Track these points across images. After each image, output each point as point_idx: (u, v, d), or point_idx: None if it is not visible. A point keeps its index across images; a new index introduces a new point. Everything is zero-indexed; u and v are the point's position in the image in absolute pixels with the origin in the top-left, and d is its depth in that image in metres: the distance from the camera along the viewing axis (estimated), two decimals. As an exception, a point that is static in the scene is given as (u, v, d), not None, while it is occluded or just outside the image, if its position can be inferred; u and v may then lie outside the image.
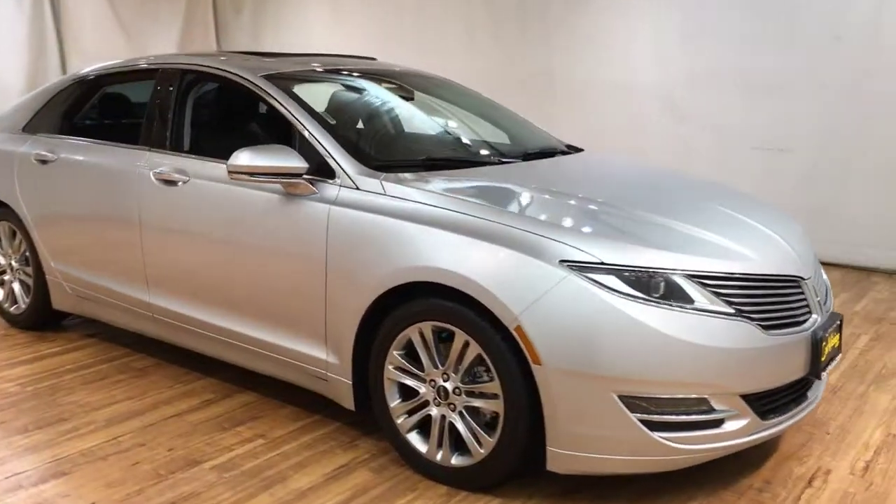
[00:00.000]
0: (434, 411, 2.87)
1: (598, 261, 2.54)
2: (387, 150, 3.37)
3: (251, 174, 3.08)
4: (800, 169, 6.39)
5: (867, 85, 6.07)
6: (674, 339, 2.48)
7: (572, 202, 2.98)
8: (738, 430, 2.62)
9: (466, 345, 2.72)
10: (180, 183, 3.52)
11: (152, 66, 3.92)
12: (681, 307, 2.53)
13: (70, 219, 4.05)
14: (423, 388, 2.88)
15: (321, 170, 3.11)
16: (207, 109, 4.08)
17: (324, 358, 3.13)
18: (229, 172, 3.12)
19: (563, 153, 3.80)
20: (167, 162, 3.62)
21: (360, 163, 3.10)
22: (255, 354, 3.39)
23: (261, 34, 9.74)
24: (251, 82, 3.45)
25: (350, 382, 3.06)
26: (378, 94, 3.97)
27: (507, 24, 7.75)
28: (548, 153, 3.73)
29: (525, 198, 2.98)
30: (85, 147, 4.05)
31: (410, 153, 3.41)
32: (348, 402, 3.10)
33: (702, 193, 3.39)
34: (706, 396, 2.57)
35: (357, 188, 3.02)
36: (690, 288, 2.56)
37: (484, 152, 3.72)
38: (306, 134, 3.19)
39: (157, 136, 3.73)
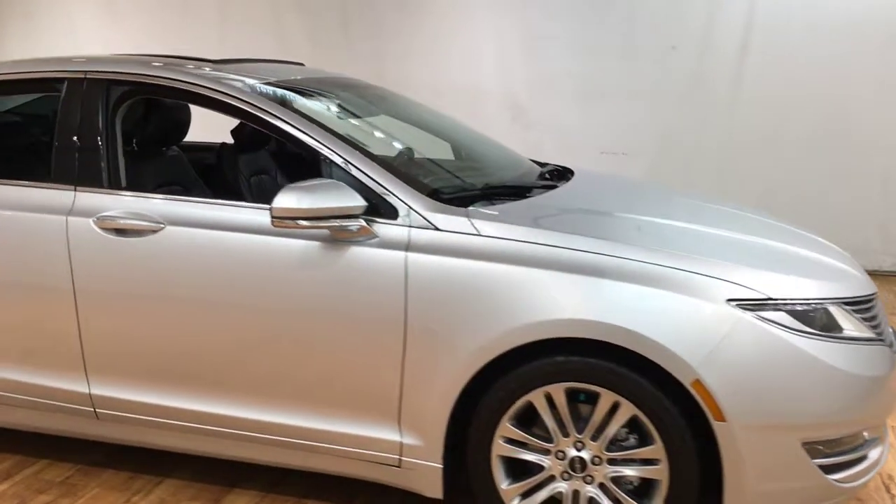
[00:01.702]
0: (563, 487, 2.42)
1: (766, 297, 2.29)
2: (439, 180, 2.80)
3: (304, 219, 2.38)
4: (643, 172, 6.67)
5: (700, 91, 6.48)
6: (847, 374, 2.31)
7: (687, 230, 2.69)
8: (877, 458, 2.52)
9: (615, 406, 2.32)
10: (148, 233, 2.64)
11: (58, 76, 2.91)
12: (838, 338, 2.36)
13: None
14: (546, 462, 2.42)
15: (375, 208, 2.49)
16: (161, 133, 3.19)
17: (397, 440, 2.52)
18: (274, 218, 2.39)
19: (570, 172, 3.45)
20: (115, 204, 2.70)
21: (427, 197, 2.53)
22: (285, 447, 2.65)
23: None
24: (250, 104, 2.68)
25: (440, 466, 2.49)
26: (375, 113, 3.32)
27: (327, 31, 7.19)
28: (561, 173, 3.36)
29: (641, 228, 2.63)
30: None
31: (459, 182, 2.86)
32: (434, 489, 2.53)
33: (748, 214, 3.24)
34: (862, 429, 2.44)
35: (435, 228, 2.45)
36: (840, 316, 2.40)
37: (515, 175, 3.21)
38: (346, 165, 2.54)
39: (86, 170, 2.77)
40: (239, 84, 2.77)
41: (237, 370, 2.63)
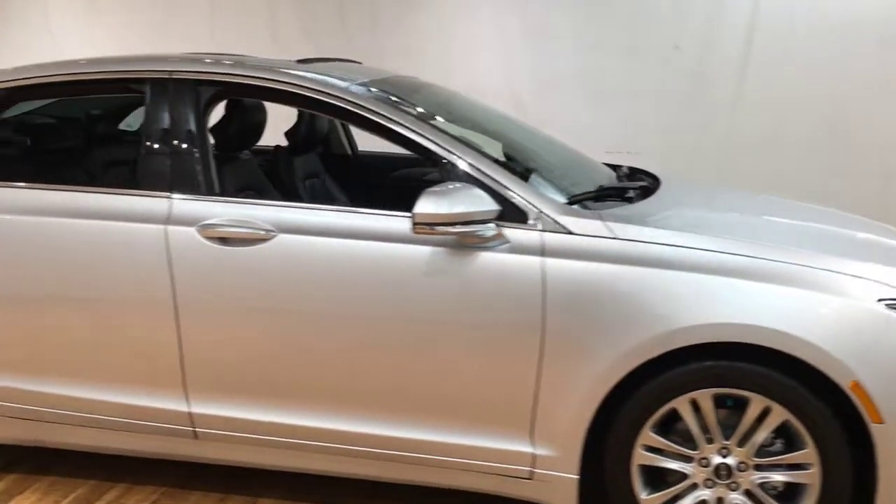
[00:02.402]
0: (707, 494, 2.38)
1: None
2: (558, 182, 2.71)
3: (444, 224, 2.29)
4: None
5: (703, 91, 6.55)
6: None
7: (807, 229, 2.69)
8: None
9: (766, 412, 2.29)
10: (258, 242, 2.50)
11: (140, 76, 2.74)
12: None
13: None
14: (689, 469, 2.38)
15: (502, 213, 2.40)
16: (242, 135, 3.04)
17: (529, 452, 2.44)
18: (416, 224, 2.29)
19: (642, 172, 3.40)
20: (218, 211, 2.55)
21: (555, 200, 2.47)
22: (401, 462, 2.54)
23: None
24: (360, 105, 2.56)
25: (576, 477, 2.42)
26: (467, 112, 3.22)
27: (323, 24, 7.02)
28: (633, 174, 3.32)
29: (770, 228, 2.61)
30: (24, 197, 2.71)
31: (566, 185, 2.78)
32: (567, 501, 2.46)
33: (823, 208, 3.26)
34: None
35: (569, 232, 2.38)
36: None
37: (602, 178, 3.13)
38: (472, 169, 2.45)
39: (182, 175, 2.61)
40: (343, 85, 2.65)
41: (355, 384, 2.51)
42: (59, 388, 2.70)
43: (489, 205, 2.35)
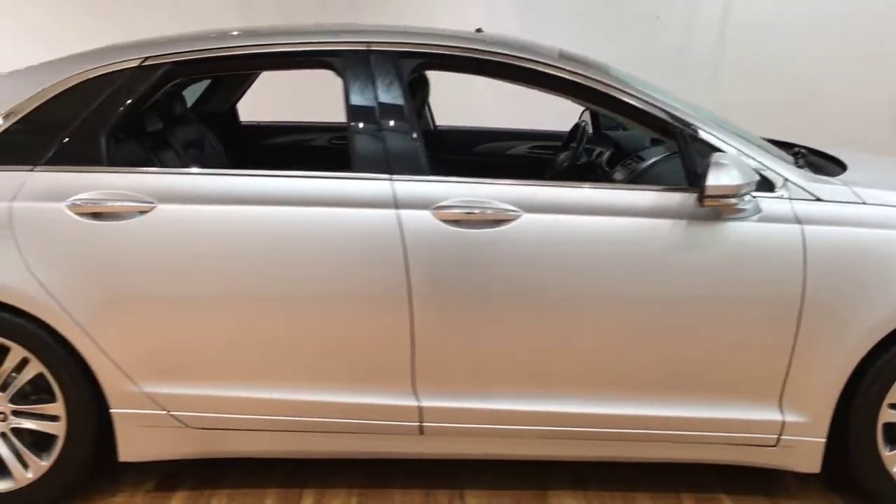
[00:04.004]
0: None
1: None
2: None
3: (731, 196, 2.26)
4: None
5: (684, 63, 6.73)
6: None
7: None
8: None
9: None
10: (502, 223, 2.37)
11: (333, 48, 2.51)
12: None
13: (206, 308, 2.43)
14: None
15: (750, 182, 2.40)
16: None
17: (778, 419, 2.47)
18: (708, 197, 2.24)
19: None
20: (448, 192, 2.40)
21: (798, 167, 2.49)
22: (642, 440, 2.51)
23: None
24: (587, 77, 2.49)
25: (823, 440, 2.47)
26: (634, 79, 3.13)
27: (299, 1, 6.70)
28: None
29: None
30: (227, 183, 2.44)
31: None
32: (812, 465, 2.51)
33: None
34: None
35: (817, 199, 2.41)
36: None
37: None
38: (716, 140, 2.43)
39: (400, 155, 2.43)
40: (553, 54, 2.55)
41: (603, 365, 2.46)
42: (270, 393, 2.47)
43: (752, 176, 2.33)
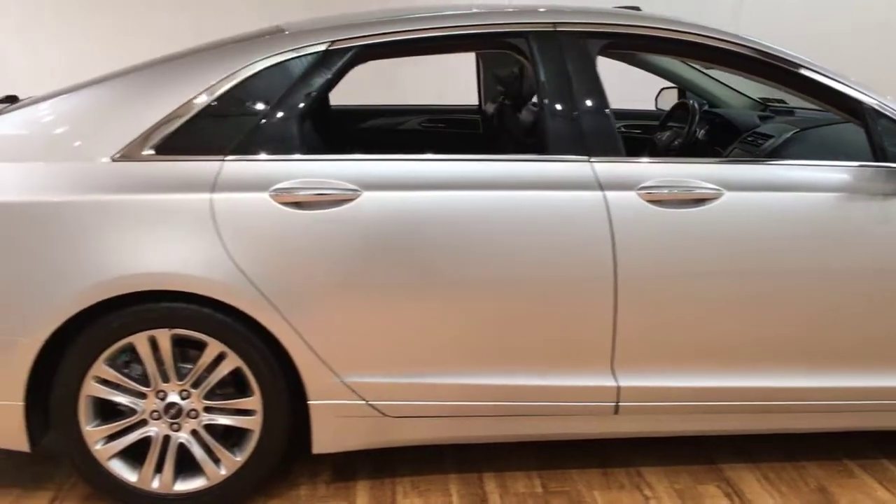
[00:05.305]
0: None
1: None
2: None
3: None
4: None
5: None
6: None
7: None
8: None
9: None
10: (707, 201, 2.39)
11: (517, 29, 2.49)
12: None
13: (409, 295, 2.39)
14: None
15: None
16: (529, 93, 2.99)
17: (957, 383, 2.57)
18: None
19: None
20: (650, 172, 2.41)
21: None
22: (839, 412, 2.60)
23: None
24: (778, 58, 2.53)
25: None
26: None
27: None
28: None
29: None
30: (430, 168, 2.42)
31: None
32: None
33: None
34: None
35: None
36: None
37: None
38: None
39: (598, 137, 2.43)
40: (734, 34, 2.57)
41: (804, 338, 2.51)
42: (468, 379, 2.45)
43: None
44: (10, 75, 5.58)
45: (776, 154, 2.87)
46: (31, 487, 2.62)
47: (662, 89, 4.15)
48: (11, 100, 2.83)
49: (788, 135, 2.97)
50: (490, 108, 3.64)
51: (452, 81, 4.51)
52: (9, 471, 2.72)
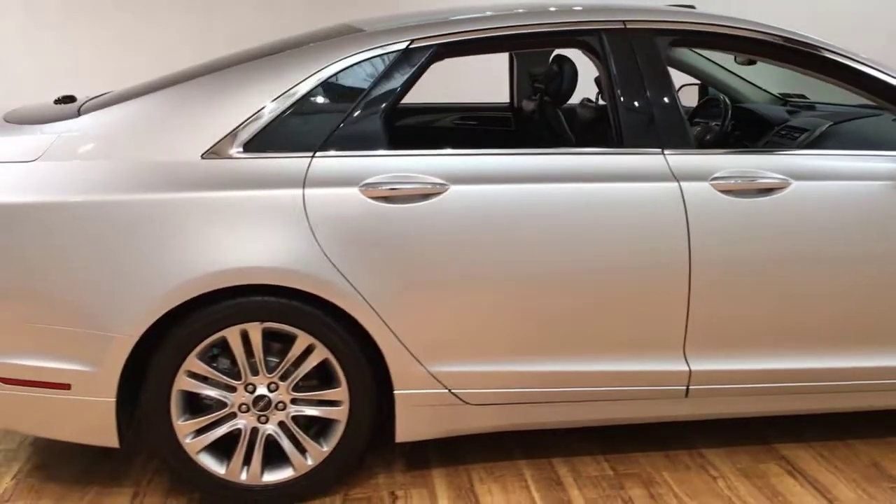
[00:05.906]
0: None
1: None
2: None
3: None
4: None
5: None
6: None
7: None
8: None
9: None
10: (777, 190, 2.51)
11: (588, 27, 2.58)
12: None
13: (494, 286, 2.46)
14: None
15: None
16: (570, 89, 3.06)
17: None
18: None
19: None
20: (721, 163, 2.52)
21: None
22: (874, 390, 2.73)
23: None
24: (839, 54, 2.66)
25: None
26: None
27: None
28: None
29: None
30: (515, 162, 2.50)
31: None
32: None
33: None
34: None
35: None
36: None
37: None
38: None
39: (669, 130, 2.53)
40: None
41: (862, 320, 2.64)
42: (546, 366, 2.53)
43: None
44: (15, 76, 5.53)
45: (814, 147, 2.99)
46: (110, 484, 2.64)
47: (683, 86, 4.27)
48: (69, 99, 2.84)
49: (824, 128, 3.10)
50: (528, 105, 3.71)
51: (465, 81, 4.57)
52: (83, 468, 2.73)
